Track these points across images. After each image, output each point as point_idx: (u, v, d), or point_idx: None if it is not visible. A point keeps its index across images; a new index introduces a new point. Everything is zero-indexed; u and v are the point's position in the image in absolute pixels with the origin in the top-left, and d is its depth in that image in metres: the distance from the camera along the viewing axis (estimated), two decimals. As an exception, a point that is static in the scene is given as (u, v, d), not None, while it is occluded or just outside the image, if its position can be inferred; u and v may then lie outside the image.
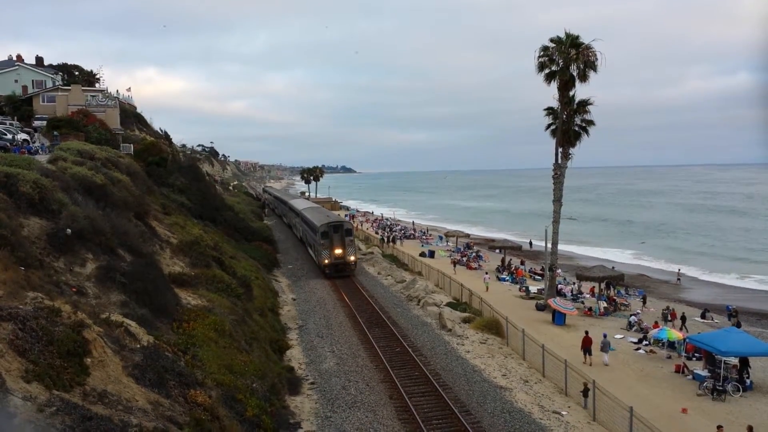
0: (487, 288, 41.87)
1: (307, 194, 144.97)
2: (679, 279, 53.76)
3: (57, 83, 57.04)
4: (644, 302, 41.08)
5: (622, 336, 31.62)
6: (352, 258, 46.57)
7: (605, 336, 27.52)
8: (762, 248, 73.62)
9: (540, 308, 36.47)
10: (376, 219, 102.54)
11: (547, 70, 35.32)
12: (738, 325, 33.00)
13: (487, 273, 47.58)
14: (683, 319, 34.57)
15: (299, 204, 71.61)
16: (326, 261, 45.65)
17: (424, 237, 78.06)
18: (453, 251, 63.61)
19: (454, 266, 51.08)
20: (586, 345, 26.37)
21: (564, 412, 20.57)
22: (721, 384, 23.02)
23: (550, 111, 36.79)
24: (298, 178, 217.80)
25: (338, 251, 45.77)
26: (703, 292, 50.13)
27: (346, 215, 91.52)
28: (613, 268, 52.34)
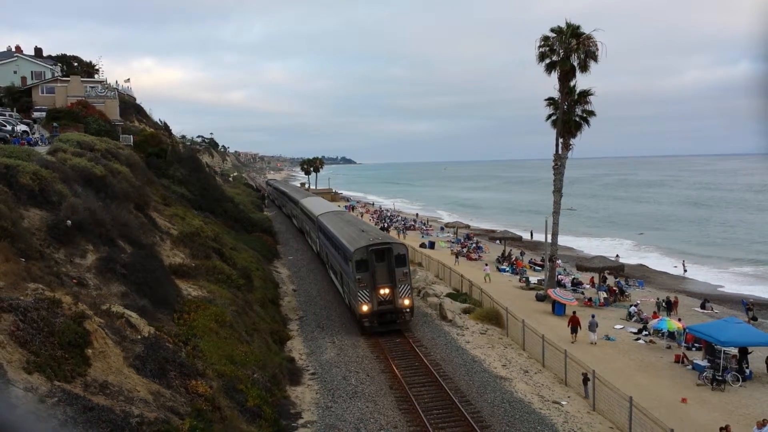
0: (487, 279, 41.92)
1: (307, 185, 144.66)
2: (685, 270, 53.91)
3: (56, 74, 56.84)
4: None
5: (622, 326, 31.71)
6: (407, 302, 28.76)
7: (593, 317, 29.18)
8: (762, 240, 73.53)
9: (540, 299, 36.55)
10: (376, 210, 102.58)
11: (547, 60, 35.17)
12: (755, 319, 33.03)
13: (487, 264, 47.61)
14: (667, 305, 34.59)
15: (316, 206, 51.28)
16: (365, 308, 28.03)
17: (424, 228, 78.11)
18: (453, 242, 63.67)
19: (456, 257, 51.12)
20: (573, 324, 28.46)
21: (564, 402, 20.64)
22: (720, 374, 23.08)
23: (550, 101, 36.65)
24: (298, 169, 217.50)
25: (384, 291, 28.30)
26: (702, 283, 50.18)
27: (345, 206, 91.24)
28: (617, 256, 52.30)
